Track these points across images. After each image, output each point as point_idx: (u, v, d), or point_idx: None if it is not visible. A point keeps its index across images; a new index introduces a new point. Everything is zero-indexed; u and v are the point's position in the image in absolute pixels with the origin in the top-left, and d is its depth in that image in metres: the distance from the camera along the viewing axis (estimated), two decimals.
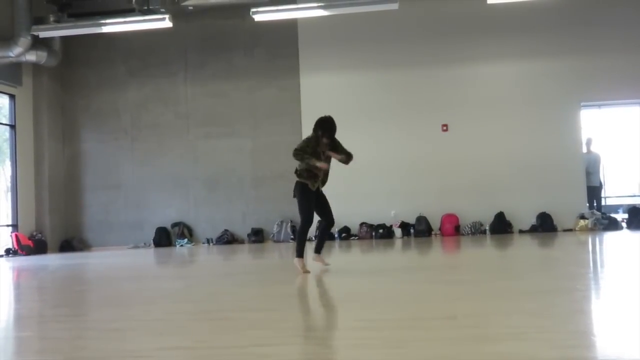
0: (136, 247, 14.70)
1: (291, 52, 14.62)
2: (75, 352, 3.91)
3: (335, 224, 7.73)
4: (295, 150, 7.18)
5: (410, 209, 13.87)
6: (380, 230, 13.74)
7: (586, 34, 13.73)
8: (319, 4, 12.16)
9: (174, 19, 12.85)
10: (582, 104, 13.91)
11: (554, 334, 3.71)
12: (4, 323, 5.32)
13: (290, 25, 14.32)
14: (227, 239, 14.37)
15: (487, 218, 13.64)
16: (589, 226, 13.16)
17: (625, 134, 15.45)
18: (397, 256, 10.10)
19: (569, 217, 13.50)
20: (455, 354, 3.37)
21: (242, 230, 14.60)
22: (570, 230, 13.35)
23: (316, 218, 7.48)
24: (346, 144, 14.31)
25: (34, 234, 14.28)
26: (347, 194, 13.30)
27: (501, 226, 13.49)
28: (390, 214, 13.96)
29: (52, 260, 12.15)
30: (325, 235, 7.75)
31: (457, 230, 13.59)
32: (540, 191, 13.61)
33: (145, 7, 12.84)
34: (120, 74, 15.35)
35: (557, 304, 4.70)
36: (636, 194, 16.29)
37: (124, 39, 14.85)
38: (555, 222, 13.44)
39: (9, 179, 14.44)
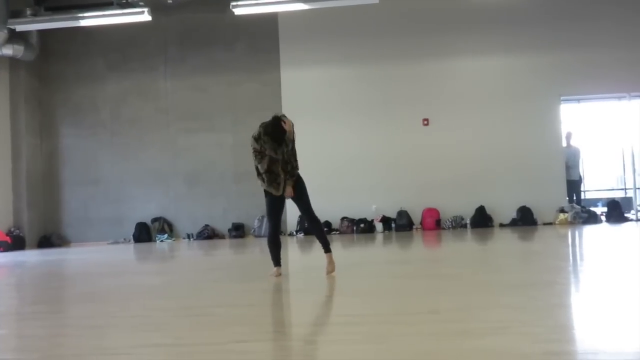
0: (116, 242, 14.57)
1: (272, 47, 14.54)
2: (52, 349, 3.86)
3: (313, 218, 6.71)
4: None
5: (391, 203, 13.88)
6: (362, 225, 13.73)
7: (566, 28, 13.79)
8: None
9: (153, 12, 12.72)
10: (562, 98, 13.97)
11: (535, 328, 3.71)
12: None
13: (271, 19, 14.25)
14: (208, 234, 14.29)
15: (468, 212, 13.67)
16: (569, 220, 13.24)
17: (604, 128, 15.58)
18: (379, 251, 10.10)
19: (549, 210, 13.57)
20: (437, 349, 3.37)
21: (222, 225, 14.52)
22: (550, 223, 13.42)
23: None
24: (327, 138, 14.39)
25: (12, 229, 14.10)
26: (328, 188, 13.28)
27: (482, 220, 13.52)
28: (372, 208, 13.96)
29: (31, 256, 12.01)
30: (316, 233, 6.80)
31: (438, 224, 13.61)
32: (520, 185, 13.67)
33: (124, 0, 12.70)
34: (99, 68, 15.18)
35: (538, 297, 4.71)
36: (615, 188, 16.44)
37: (102, 32, 14.68)
38: (535, 216, 13.50)
39: None
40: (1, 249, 13.34)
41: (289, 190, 6.51)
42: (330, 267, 6.60)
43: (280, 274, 6.56)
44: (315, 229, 6.77)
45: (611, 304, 4.43)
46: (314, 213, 6.73)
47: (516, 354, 3.17)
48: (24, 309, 5.71)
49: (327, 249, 6.67)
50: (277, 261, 6.64)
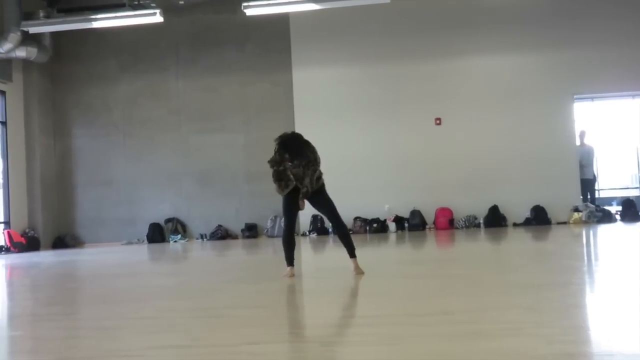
0: (130, 243, 14.62)
1: (283, 47, 14.54)
2: (66, 351, 3.87)
3: (339, 223, 6.65)
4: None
5: (404, 203, 13.83)
6: (375, 225, 13.69)
7: (579, 26, 13.69)
8: None
9: (164, 13, 12.75)
10: (575, 96, 13.88)
11: (550, 329, 3.68)
12: None
13: (282, 20, 14.24)
14: (221, 235, 14.31)
15: (481, 211, 13.61)
16: (583, 219, 13.15)
17: (619, 126, 15.47)
18: (392, 251, 10.08)
19: (563, 210, 13.48)
20: (451, 351, 3.34)
21: (235, 225, 14.54)
22: (564, 223, 13.33)
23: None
24: (339, 138, 14.34)
25: (27, 231, 14.18)
26: (340, 188, 13.15)
27: (495, 219, 13.45)
28: (384, 208, 13.93)
29: (45, 257, 12.08)
30: (343, 240, 6.63)
31: (451, 223, 13.56)
32: (534, 184, 13.58)
33: (136, 2, 12.74)
34: (111, 69, 15.23)
35: (553, 298, 4.68)
36: (630, 187, 16.31)
37: (114, 34, 14.72)
38: (549, 215, 13.41)
39: (0, 176, 14.32)
40: (16, 250, 13.42)
41: (302, 204, 6.65)
42: (357, 271, 6.51)
43: (293, 275, 6.53)
44: (341, 234, 6.69)
45: (627, 304, 4.39)
46: (339, 218, 6.66)
47: (531, 356, 3.15)
48: (39, 310, 5.73)
49: (352, 254, 6.60)
50: (290, 261, 6.61)
